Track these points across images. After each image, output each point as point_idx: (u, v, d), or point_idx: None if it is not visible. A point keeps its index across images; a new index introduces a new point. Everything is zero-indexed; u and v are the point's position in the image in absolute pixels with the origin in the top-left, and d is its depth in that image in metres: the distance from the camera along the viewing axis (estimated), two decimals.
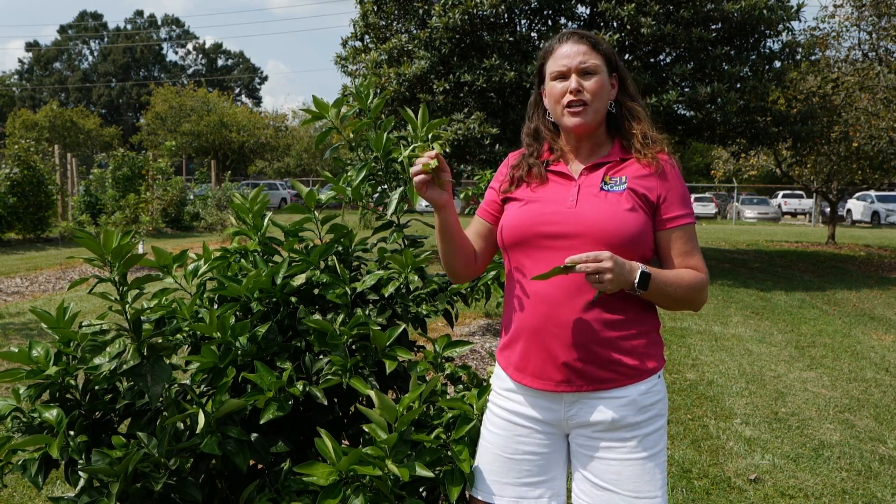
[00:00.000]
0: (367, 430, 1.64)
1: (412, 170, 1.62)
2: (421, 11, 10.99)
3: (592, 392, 1.57)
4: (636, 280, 1.49)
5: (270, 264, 2.04)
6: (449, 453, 1.73)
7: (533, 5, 10.79)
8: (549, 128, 1.75)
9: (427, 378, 1.90)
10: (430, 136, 1.96)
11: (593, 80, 1.62)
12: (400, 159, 2.06)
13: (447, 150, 10.57)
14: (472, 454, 1.74)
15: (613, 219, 1.55)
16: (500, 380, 1.72)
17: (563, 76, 1.64)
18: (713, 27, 10.65)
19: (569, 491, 1.69)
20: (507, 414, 1.68)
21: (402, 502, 1.63)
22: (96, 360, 1.68)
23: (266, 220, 2.11)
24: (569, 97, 1.62)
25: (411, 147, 1.84)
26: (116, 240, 1.59)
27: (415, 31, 11.03)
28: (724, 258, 14.09)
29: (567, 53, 1.63)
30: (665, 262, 1.64)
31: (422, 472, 1.59)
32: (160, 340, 1.77)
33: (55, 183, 16.16)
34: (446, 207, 1.65)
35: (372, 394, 1.66)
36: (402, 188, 2.12)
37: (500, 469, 1.66)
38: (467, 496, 1.72)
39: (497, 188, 1.78)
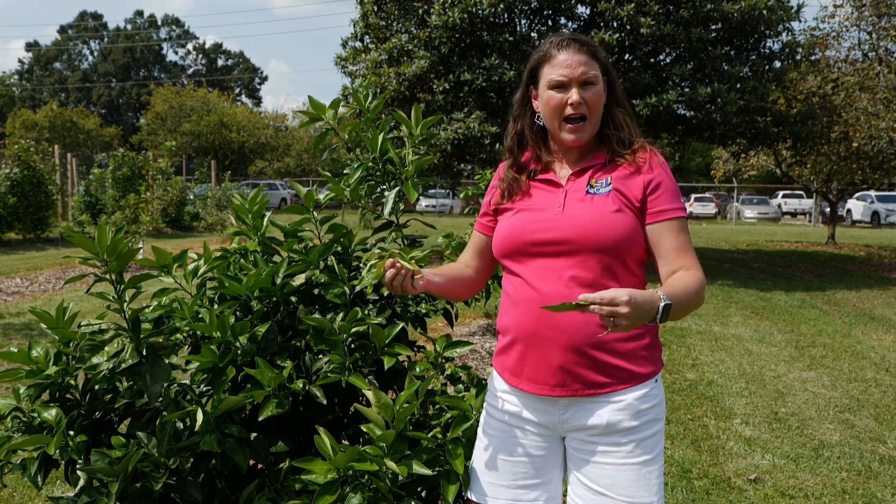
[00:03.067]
0: (365, 429, 1.64)
1: (387, 280, 1.58)
2: (421, 11, 11.00)
3: (588, 396, 1.56)
4: (658, 315, 1.39)
5: (270, 264, 2.04)
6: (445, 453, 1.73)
7: (533, 5, 10.79)
8: (536, 132, 1.72)
9: (426, 377, 1.90)
10: (377, 252, 1.72)
11: (592, 91, 1.59)
12: (364, 284, 1.74)
13: (448, 150, 10.58)
14: (469, 454, 1.74)
15: (601, 221, 1.54)
16: (496, 382, 1.72)
17: (562, 86, 1.59)
18: (713, 27, 10.65)
19: (566, 493, 1.69)
20: (504, 416, 1.67)
21: (400, 502, 1.63)
22: (94, 360, 1.68)
23: (266, 221, 2.12)
24: (569, 110, 1.59)
25: (368, 266, 1.64)
26: (109, 236, 1.58)
27: (415, 31, 11.04)
28: (724, 258, 14.09)
29: (568, 63, 1.58)
30: (657, 257, 1.61)
31: (420, 470, 1.59)
32: (160, 340, 1.77)
33: (55, 183, 16.16)
34: (429, 283, 1.66)
35: (369, 392, 1.66)
36: (398, 188, 2.12)
37: (496, 471, 1.66)
38: (464, 497, 1.72)
39: (489, 201, 1.78)
